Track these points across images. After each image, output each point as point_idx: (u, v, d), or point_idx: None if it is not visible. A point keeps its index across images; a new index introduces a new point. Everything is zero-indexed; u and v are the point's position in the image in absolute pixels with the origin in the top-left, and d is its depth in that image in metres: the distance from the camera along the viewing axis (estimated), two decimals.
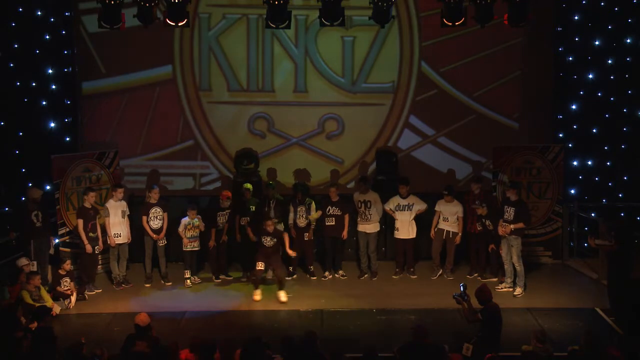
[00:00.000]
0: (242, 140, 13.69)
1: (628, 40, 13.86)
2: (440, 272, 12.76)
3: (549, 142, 13.52)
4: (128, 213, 12.43)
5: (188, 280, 12.47)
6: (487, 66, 13.59)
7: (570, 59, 13.92)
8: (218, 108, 13.77)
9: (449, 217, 12.52)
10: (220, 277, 12.71)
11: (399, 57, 13.66)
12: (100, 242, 12.22)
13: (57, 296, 11.40)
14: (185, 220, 12.41)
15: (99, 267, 12.80)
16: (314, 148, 13.83)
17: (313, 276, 12.83)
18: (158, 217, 12.44)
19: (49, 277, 12.05)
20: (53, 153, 12.53)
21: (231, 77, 13.67)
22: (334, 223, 12.64)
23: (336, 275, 12.88)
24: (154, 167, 13.72)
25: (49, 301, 10.97)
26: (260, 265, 11.64)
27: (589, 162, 14.12)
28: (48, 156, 12.47)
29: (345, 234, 12.71)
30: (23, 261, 11.37)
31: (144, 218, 12.39)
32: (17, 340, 9.03)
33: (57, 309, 11.07)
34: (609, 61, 13.90)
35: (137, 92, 13.61)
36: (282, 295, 11.62)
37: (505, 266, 11.95)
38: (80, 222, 11.98)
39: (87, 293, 11.96)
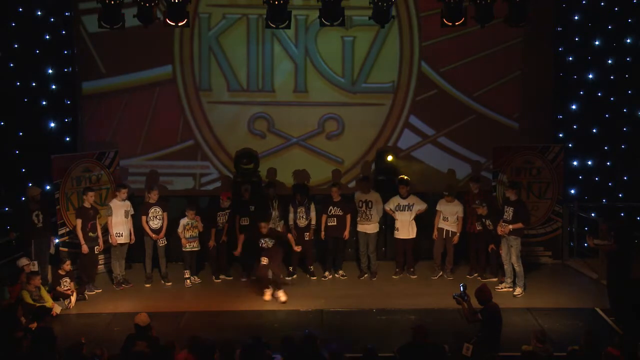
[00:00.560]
0: (242, 140, 13.68)
1: (628, 40, 13.87)
2: (440, 273, 12.76)
3: (549, 142, 13.52)
4: (132, 213, 12.44)
5: (188, 280, 12.48)
6: (487, 66, 13.58)
7: (570, 59, 13.93)
8: (218, 108, 13.76)
9: (449, 217, 12.53)
10: (220, 277, 12.72)
11: (399, 57, 13.66)
12: (100, 241, 12.23)
13: (57, 296, 11.41)
14: (184, 220, 12.41)
15: (101, 266, 12.81)
16: (314, 148, 13.83)
17: (313, 276, 12.83)
18: (157, 217, 12.44)
19: (49, 277, 12.05)
20: (53, 153, 12.53)
21: (231, 77, 13.67)
22: (335, 223, 12.65)
23: (336, 275, 12.89)
24: (154, 167, 13.71)
25: (49, 301, 10.98)
26: (264, 260, 11.63)
27: (589, 162, 14.12)
28: (48, 156, 12.47)
29: (347, 234, 12.72)
30: (24, 261, 11.37)
31: (144, 218, 12.39)
32: (17, 340, 9.03)
33: (57, 309, 11.07)
34: (609, 61, 13.91)
35: (137, 92, 13.60)
36: (282, 295, 11.62)
37: (505, 266, 11.95)
38: (79, 222, 11.98)
39: (87, 293, 11.97)
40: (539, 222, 13.26)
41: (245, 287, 12.41)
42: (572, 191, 14.00)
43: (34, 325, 9.72)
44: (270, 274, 11.95)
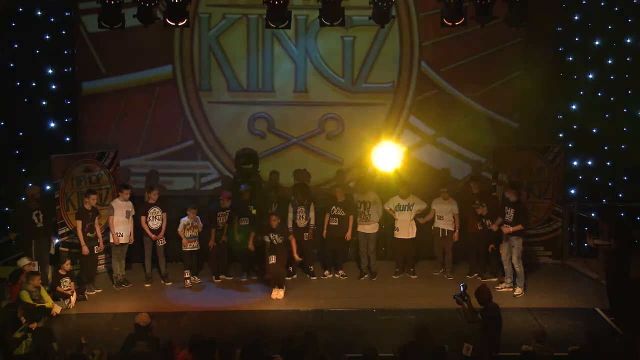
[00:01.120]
0: (242, 140, 13.69)
1: (628, 40, 13.88)
2: (442, 270, 12.79)
3: (549, 142, 13.52)
4: (133, 213, 12.44)
5: (188, 280, 12.47)
6: (487, 66, 13.57)
7: (570, 59, 13.93)
8: (218, 108, 13.76)
9: (444, 216, 12.55)
10: (220, 277, 12.71)
11: (399, 57, 13.66)
12: (100, 242, 12.23)
13: (57, 296, 11.40)
14: (184, 220, 12.41)
15: (101, 266, 12.82)
16: (314, 148, 13.83)
17: (313, 276, 12.83)
18: (157, 217, 12.44)
19: (49, 277, 12.04)
20: (53, 153, 12.53)
21: (231, 77, 13.66)
22: (337, 223, 12.66)
23: (336, 275, 12.89)
24: (154, 167, 13.71)
25: (49, 301, 10.96)
26: (272, 259, 11.63)
27: (589, 162, 14.12)
28: (48, 156, 12.47)
29: (349, 234, 12.72)
30: (24, 261, 11.35)
31: (143, 218, 12.39)
32: (17, 340, 9.04)
33: (57, 309, 11.05)
34: (609, 61, 13.91)
35: (137, 92, 13.60)
36: (279, 293, 11.65)
37: (505, 266, 11.95)
38: (79, 223, 11.99)
39: (87, 293, 11.96)
40: (539, 222, 13.26)
41: (245, 287, 12.41)
42: (572, 191, 14.00)
43: (34, 325, 9.72)
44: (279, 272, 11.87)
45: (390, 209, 12.69)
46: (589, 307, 11.23)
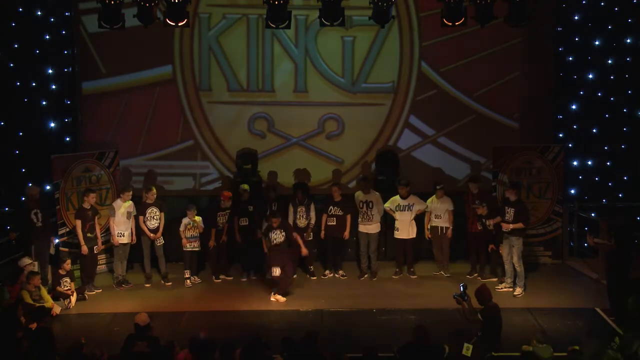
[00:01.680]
0: (242, 140, 13.68)
1: (628, 40, 13.87)
2: (442, 270, 12.79)
3: (549, 142, 13.52)
4: (134, 214, 12.43)
5: (188, 280, 12.48)
6: (487, 66, 13.58)
7: (570, 59, 13.93)
8: (218, 108, 13.76)
9: (441, 215, 12.55)
10: (220, 277, 12.72)
11: (399, 57, 13.66)
12: (99, 242, 12.24)
13: (57, 296, 11.40)
14: (185, 220, 12.41)
15: (104, 266, 12.82)
16: (314, 148, 13.83)
17: (313, 276, 12.83)
18: (155, 217, 12.45)
19: (49, 277, 12.04)
20: (53, 153, 12.53)
21: (231, 77, 13.67)
22: (335, 223, 12.66)
23: (336, 275, 12.89)
24: (154, 167, 13.70)
25: (49, 301, 10.98)
26: (276, 272, 11.59)
27: (589, 162, 14.12)
28: (48, 156, 12.47)
29: (347, 234, 12.72)
30: (26, 261, 11.36)
31: (141, 218, 12.39)
32: (17, 340, 9.03)
33: (57, 309, 11.06)
34: (609, 61, 13.91)
35: (137, 92, 13.60)
36: (280, 298, 11.65)
37: (506, 266, 11.95)
38: (79, 223, 11.99)
39: (87, 293, 11.96)
40: (539, 222, 13.26)
41: (245, 287, 12.42)
42: (572, 191, 13.99)
43: (34, 325, 9.72)
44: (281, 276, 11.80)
45: (391, 209, 12.70)
46: (589, 307, 11.23)
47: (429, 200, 12.67)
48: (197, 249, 12.50)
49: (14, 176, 13.55)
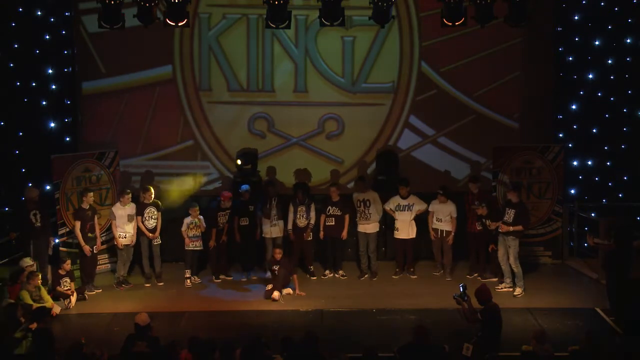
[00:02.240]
0: (242, 140, 13.68)
1: (628, 40, 13.87)
2: (442, 270, 12.79)
3: (549, 142, 13.52)
4: (135, 215, 12.42)
5: (188, 280, 12.47)
6: (487, 66, 13.58)
7: (570, 59, 13.93)
8: (218, 108, 13.76)
9: (443, 218, 12.54)
10: (220, 277, 12.71)
11: (399, 57, 13.66)
12: (98, 242, 12.24)
13: (57, 296, 11.40)
14: (187, 219, 12.41)
15: (101, 266, 12.81)
16: (314, 148, 13.83)
17: (313, 276, 12.83)
18: (153, 217, 12.44)
19: (49, 277, 12.04)
20: (53, 153, 12.53)
21: (231, 77, 13.67)
22: (333, 223, 12.66)
23: (336, 275, 12.89)
24: (154, 167, 13.70)
25: (49, 301, 10.97)
26: (276, 296, 11.59)
27: (589, 162, 14.12)
28: (48, 156, 12.46)
29: (345, 234, 12.72)
30: (27, 261, 11.34)
31: (139, 218, 12.38)
32: (17, 340, 9.04)
33: (57, 309, 11.05)
34: (609, 61, 13.91)
35: (137, 92, 13.60)
36: (277, 295, 11.68)
37: (503, 266, 11.95)
38: (78, 223, 11.99)
39: (87, 293, 11.96)
40: (539, 222, 13.25)
41: (245, 287, 12.41)
42: (572, 191, 13.99)
43: (34, 325, 9.72)
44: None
45: (391, 209, 12.70)
46: (589, 307, 11.22)
47: (433, 202, 12.65)
48: (199, 249, 12.50)
49: (14, 176, 13.56)
